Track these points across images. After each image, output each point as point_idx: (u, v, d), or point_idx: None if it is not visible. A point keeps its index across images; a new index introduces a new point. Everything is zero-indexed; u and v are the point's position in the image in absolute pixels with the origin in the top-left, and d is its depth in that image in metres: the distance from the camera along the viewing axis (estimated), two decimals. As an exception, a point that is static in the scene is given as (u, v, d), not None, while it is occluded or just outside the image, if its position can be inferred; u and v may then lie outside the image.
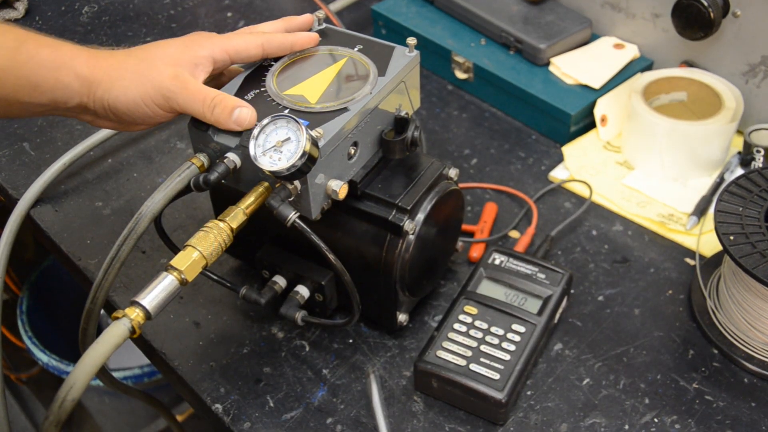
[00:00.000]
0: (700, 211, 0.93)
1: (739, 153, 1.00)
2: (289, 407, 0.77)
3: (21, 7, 1.26)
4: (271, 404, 0.78)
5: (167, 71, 0.70)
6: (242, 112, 0.69)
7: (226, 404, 0.77)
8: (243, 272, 0.90)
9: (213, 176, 0.68)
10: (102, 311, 0.73)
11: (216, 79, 0.77)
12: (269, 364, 0.81)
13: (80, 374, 0.61)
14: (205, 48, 0.72)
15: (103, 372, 0.83)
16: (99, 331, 0.68)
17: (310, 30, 0.80)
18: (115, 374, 1.52)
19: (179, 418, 1.58)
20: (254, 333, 0.83)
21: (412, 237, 0.75)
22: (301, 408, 0.77)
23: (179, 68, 0.70)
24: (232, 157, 0.69)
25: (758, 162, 0.95)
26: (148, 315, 0.63)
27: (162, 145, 1.05)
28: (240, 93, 0.73)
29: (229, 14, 1.29)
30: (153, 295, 0.64)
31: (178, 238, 0.90)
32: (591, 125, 1.06)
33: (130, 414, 1.67)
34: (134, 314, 0.63)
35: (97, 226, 0.94)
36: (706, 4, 0.96)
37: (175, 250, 0.78)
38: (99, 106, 0.71)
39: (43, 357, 1.57)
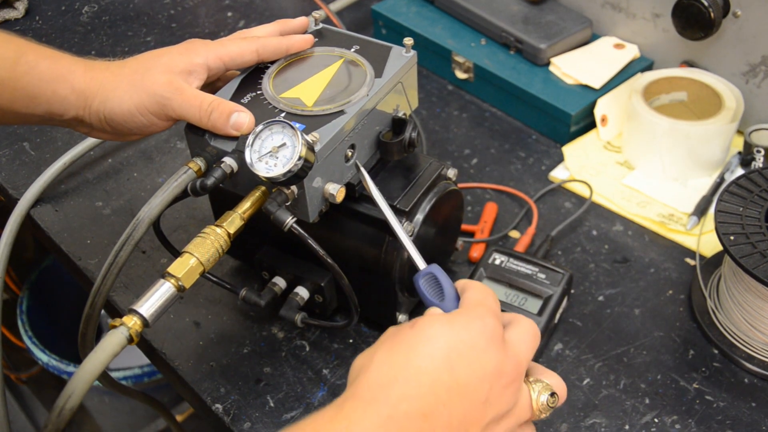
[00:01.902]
0: (700, 211, 0.93)
1: (740, 153, 1.00)
2: (289, 407, 0.77)
3: (21, 7, 1.26)
4: (272, 404, 0.78)
5: (161, 78, 0.69)
6: (240, 117, 0.69)
7: (226, 404, 0.77)
8: (243, 273, 0.90)
9: (210, 181, 0.67)
10: (102, 311, 0.73)
11: (211, 86, 0.76)
12: (269, 364, 0.81)
13: (79, 383, 0.60)
14: (199, 55, 0.72)
15: (103, 374, 0.83)
16: (99, 333, 0.68)
17: (305, 32, 0.80)
18: (115, 374, 1.52)
19: (179, 418, 1.58)
20: (254, 333, 0.83)
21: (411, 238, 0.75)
22: (302, 408, 0.77)
23: (173, 75, 0.70)
24: (229, 162, 0.69)
25: (758, 162, 0.95)
26: (145, 323, 0.63)
27: (162, 144, 1.05)
28: (236, 96, 0.73)
29: (230, 14, 1.29)
30: (150, 303, 0.63)
31: (178, 238, 0.90)
32: (591, 125, 1.06)
33: (130, 414, 1.67)
34: (132, 322, 0.63)
35: (97, 226, 0.94)
36: (706, 4, 0.96)
37: (175, 252, 0.77)
38: (95, 118, 0.71)
39: (43, 357, 1.57)
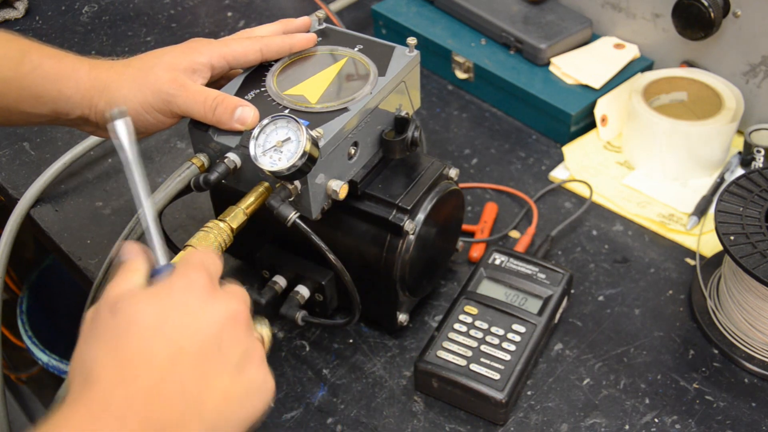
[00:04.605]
0: (700, 211, 0.93)
1: (740, 153, 1.00)
2: (289, 407, 0.77)
3: (21, 7, 1.26)
4: (271, 404, 0.77)
5: (165, 76, 0.70)
6: (244, 112, 0.69)
7: (226, 404, 0.77)
8: (243, 272, 0.90)
9: (213, 176, 0.68)
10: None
11: (215, 84, 0.76)
12: (269, 363, 0.80)
13: None
14: (203, 55, 0.72)
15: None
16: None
17: (308, 31, 0.80)
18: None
19: (179, 418, 1.58)
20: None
21: (412, 237, 0.75)
22: (302, 408, 0.77)
23: (177, 73, 0.70)
24: (233, 157, 0.69)
25: (758, 162, 0.95)
26: None
27: (162, 145, 1.05)
28: (240, 93, 0.74)
29: (230, 14, 1.29)
30: None
31: (178, 237, 0.90)
32: (591, 125, 1.06)
33: (130, 414, 1.67)
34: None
35: (97, 226, 0.94)
36: (706, 4, 0.96)
37: (176, 249, 0.78)
38: (100, 117, 0.71)
39: (43, 357, 1.57)
